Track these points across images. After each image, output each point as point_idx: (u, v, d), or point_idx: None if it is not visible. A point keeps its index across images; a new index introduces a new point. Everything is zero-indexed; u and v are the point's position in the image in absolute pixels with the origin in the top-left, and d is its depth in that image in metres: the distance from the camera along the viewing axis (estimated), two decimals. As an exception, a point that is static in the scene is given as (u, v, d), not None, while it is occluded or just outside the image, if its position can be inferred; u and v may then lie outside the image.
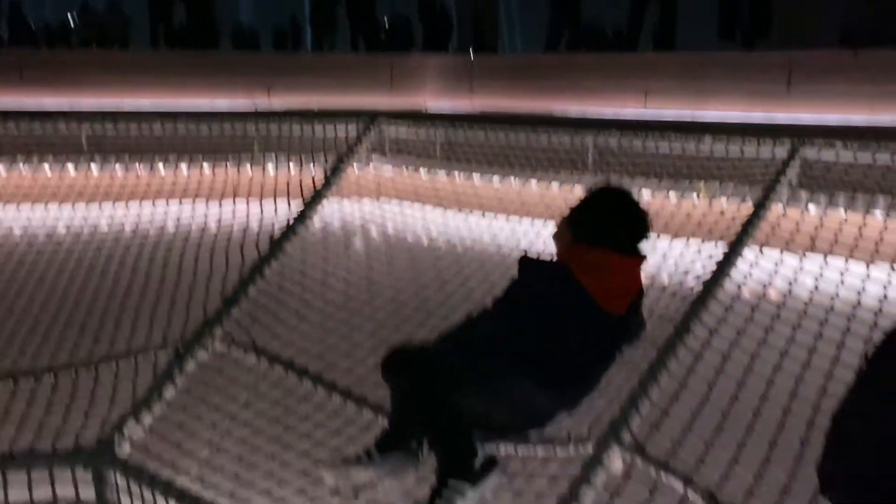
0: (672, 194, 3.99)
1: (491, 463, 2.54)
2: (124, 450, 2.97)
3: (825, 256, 3.25)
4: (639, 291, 3.00)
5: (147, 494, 2.75)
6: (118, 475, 2.84)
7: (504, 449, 2.69)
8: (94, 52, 7.33)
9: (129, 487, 2.81)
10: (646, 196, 3.97)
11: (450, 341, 2.80)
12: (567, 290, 2.78)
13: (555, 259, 3.16)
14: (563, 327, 2.72)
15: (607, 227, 2.86)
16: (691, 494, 2.37)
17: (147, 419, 3.12)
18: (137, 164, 5.17)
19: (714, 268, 3.25)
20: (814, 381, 2.73)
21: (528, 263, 3.03)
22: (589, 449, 2.52)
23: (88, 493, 2.87)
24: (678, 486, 2.40)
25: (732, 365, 2.82)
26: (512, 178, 4.68)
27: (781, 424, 2.60)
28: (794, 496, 2.38)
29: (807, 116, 4.81)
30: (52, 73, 6.13)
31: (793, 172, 3.85)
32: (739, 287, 3.16)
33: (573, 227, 2.94)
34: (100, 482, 2.85)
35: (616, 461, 2.48)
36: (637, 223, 2.94)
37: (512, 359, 2.67)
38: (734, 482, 2.42)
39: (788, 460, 2.49)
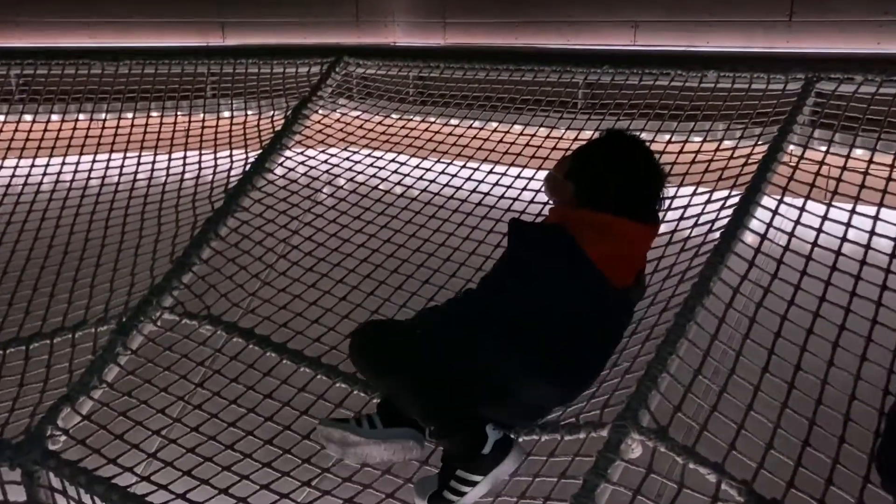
0: (675, 134, 3.58)
1: (505, 444, 2.17)
2: (59, 442, 2.56)
3: (853, 203, 2.89)
4: (645, 258, 2.62)
5: (85, 497, 2.35)
6: (51, 474, 2.43)
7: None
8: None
9: (64, 488, 2.41)
10: (646, 137, 3.55)
11: (433, 323, 2.39)
12: (569, 260, 2.37)
13: (547, 217, 2.75)
14: (565, 303, 2.32)
15: (618, 188, 2.45)
16: (725, 485, 2.03)
17: (85, 406, 2.70)
18: (76, 111, 4.62)
19: (730, 218, 2.88)
20: (853, 344, 2.39)
21: (520, 229, 2.60)
22: (603, 434, 2.16)
23: (18, 495, 2.47)
24: (709, 475, 2.06)
25: (759, 330, 2.46)
26: (494, 122, 4.22)
27: (820, 398, 2.26)
28: (841, 482, 2.05)
29: (812, 48, 4.40)
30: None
31: (809, 108, 3.46)
32: (760, 239, 2.79)
33: (577, 183, 2.52)
34: (30, 483, 2.44)
35: (635, 448, 2.13)
36: (653, 183, 2.54)
37: (507, 342, 2.26)
38: (773, 468, 2.08)
39: (832, 440, 2.16)
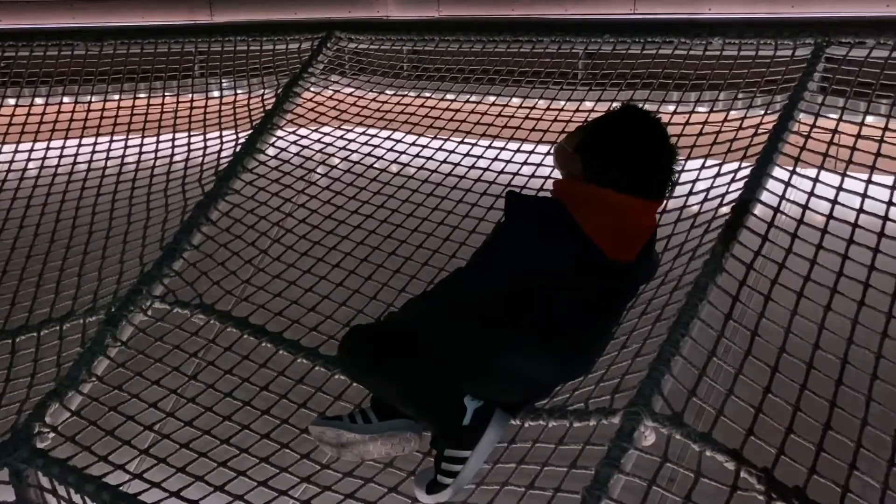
0: (679, 105, 3.46)
1: (486, 412, 2.09)
2: (47, 440, 2.46)
3: (870, 172, 2.77)
4: (653, 233, 2.51)
5: (76, 497, 2.25)
6: (40, 473, 2.33)
7: (512, 421, 2.23)
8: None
9: (53, 487, 2.31)
10: (650, 108, 3.42)
11: (424, 308, 2.30)
12: (562, 233, 2.28)
13: (551, 189, 2.65)
14: (558, 280, 2.22)
15: (631, 168, 2.35)
16: (744, 473, 1.93)
17: (74, 401, 2.60)
18: (60, 93, 4.48)
19: (742, 191, 2.76)
20: (874, 322, 2.29)
21: (515, 202, 2.50)
22: (615, 422, 2.06)
23: (7, 494, 2.37)
24: (727, 463, 1.96)
25: (776, 308, 2.35)
26: (491, 95, 4.09)
27: (840, 378, 2.16)
28: (865, 466, 1.96)
29: (818, 12, 4.25)
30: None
31: (819, 75, 3.33)
32: (774, 213, 2.67)
33: (584, 158, 2.41)
34: (19, 482, 2.35)
35: (649, 436, 2.03)
36: (667, 164, 2.43)
37: (501, 324, 2.17)
38: (793, 455, 1.98)
39: (853, 423, 2.06)
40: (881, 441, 2.02)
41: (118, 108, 4.28)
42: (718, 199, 2.82)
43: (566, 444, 2.11)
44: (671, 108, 3.46)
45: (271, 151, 3.82)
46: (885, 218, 2.61)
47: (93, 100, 4.41)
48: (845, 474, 1.94)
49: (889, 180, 2.73)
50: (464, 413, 2.08)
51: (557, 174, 2.81)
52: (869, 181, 2.75)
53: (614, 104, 3.58)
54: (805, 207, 2.69)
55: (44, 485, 2.36)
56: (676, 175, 2.55)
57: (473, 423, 2.07)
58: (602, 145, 2.44)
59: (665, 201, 2.61)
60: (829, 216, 2.65)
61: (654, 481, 1.92)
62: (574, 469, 2.01)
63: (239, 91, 4.32)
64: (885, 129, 2.95)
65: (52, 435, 2.48)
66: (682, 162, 2.96)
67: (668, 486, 1.97)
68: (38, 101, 4.39)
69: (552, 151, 2.70)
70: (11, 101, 4.40)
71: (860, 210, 2.65)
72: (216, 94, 4.41)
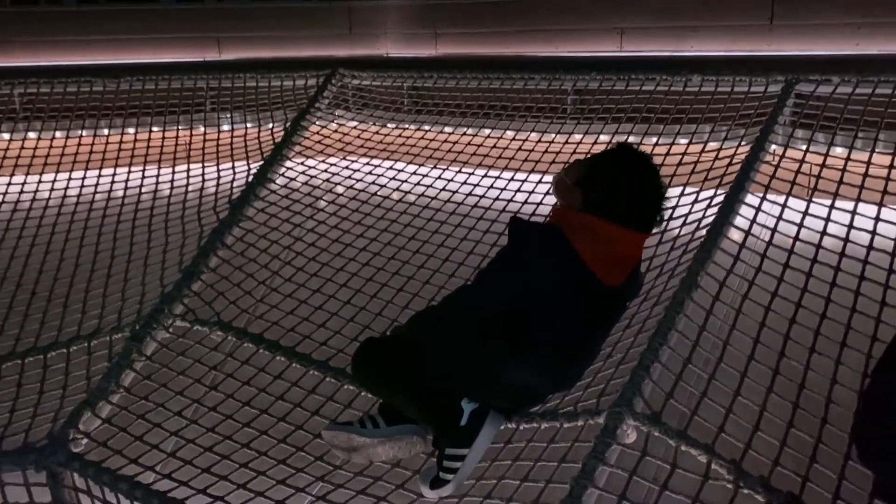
0: (662, 137, 3.73)
1: (481, 413, 2.33)
2: (81, 445, 2.67)
3: (832, 198, 3.03)
4: (639, 260, 2.77)
5: (110, 496, 2.46)
6: (75, 475, 2.55)
7: (505, 424, 2.46)
8: (25, 9, 6.76)
9: (88, 488, 2.53)
10: (633, 140, 3.70)
11: (429, 326, 2.54)
12: (561, 260, 2.52)
13: (548, 215, 2.90)
14: (557, 305, 2.46)
15: (626, 203, 2.61)
16: (714, 465, 2.17)
17: (104, 410, 2.82)
18: (80, 127, 4.74)
19: (716, 215, 3.02)
20: (833, 333, 2.53)
21: (518, 227, 2.75)
22: (600, 421, 2.29)
23: (43, 496, 2.58)
24: (700, 456, 2.19)
25: (746, 320, 2.60)
26: (486, 128, 4.37)
27: (803, 383, 2.40)
28: (823, 460, 2.19)
29: (793, 51, 4.56)
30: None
31: (789, 109, 3.62)
32: (745, 235, 2.93)
33: (585, 192, 2.66)
34: (55, 483, 2.56)
35: (630, 433, 2.26)
36: (657, 201, 2.70)
37: (498, 336, 2.41)
38: (759, 448, 2.22)
39: (814, 421, 2.30)
40: (839, 438, 2.25)
41: (135, 141, 4.54)
42: (695, 224, 3.07)
43: (557, 442, 2.33)
44: (653, 140, 3.73)
45: (281, 181, 4.08)
46: (846, 240, 2.86)
47: (110, 133, 4.66)
48: (806, 466, 2.17)
49: (850, 206, 2.99)
50: (461, 415, 2.31)
51: (550, 200, 3.07)
52: (832, 207, 3.01)
53: (600, 137, 3.87)
54: (773, 230, 2.95)
55: (79, 486, 2.56)
56: (665, 212, 2.81)
57: (470, 424, 2.29)
58: (600, 180, 2.69)
59: (653, 233, 2.87)
60: (796, 238, 2.91)
61: (635, 473, 2.14)
62: (564, 463, 2.24)
63: (249, 124, 4.59)
64: (848, 159, 3.22)
65: (85, 441, 2.69)
66: (671, 199, 3.23)
67: (652, 481, 2.19)
68: (59, 134, 4.63)
69: (552, 182, 2.93)
70: (34, 135, 4.65)
71: (823, 232, 2.91)
72: (227, 127, 4.68)
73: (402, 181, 4.04)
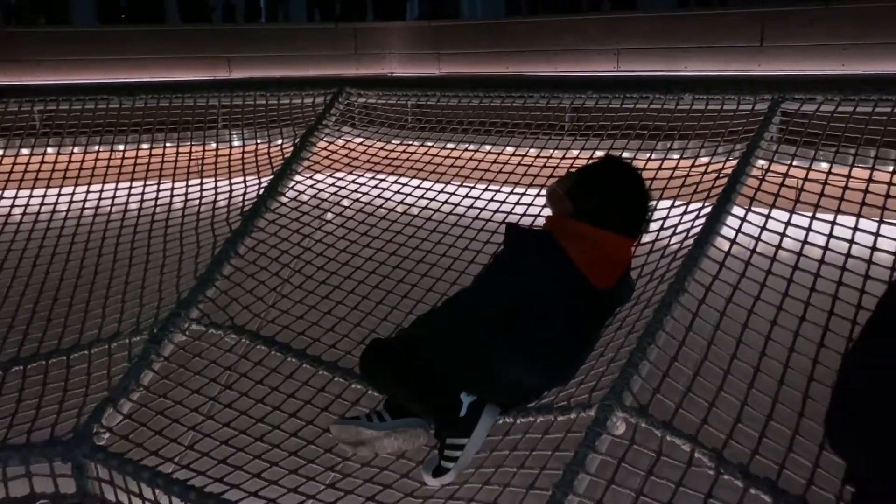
0: (654, 152, 3.91)
1: (479, 405, 2.50)
2: (104, 439, 2.84)
3: (813, 210, 3.21)
4: (628, 263, 2.95)
5: (132, 484, 2.63)
6: (99, 466, 2.71)
7: (503, 418, 2.62)
8: (44, 30, 7.00)
9: (111, 478, 2.69)
10: (627, 155, 3.89)
11: (431, 326, 2.72)
12: (554, 263, 2.72)
13: (543, 224, 3.09)
14: (550, 304, 2.65)
15: (613, 211, 2.80)
16: (698, 453, 2.33)
17: (125, 406, 2.99)
18: (96, 143, 4.93)
19: (703, 225, 3.20)
20: (811, 334, 2.70)
21: (513, 233, 2.95)
22: (591, 413, 2.45)
23: (68, 486, 2.74)
24: (684, 446, 2.35)
25: (729, 322, 2.77)
26: (488, 144, 4.56)
27: (782, 379, 2.57)
28: (798, 450, 2.34)
29: (782, 71, 4.77)
30: (1, 51, 5.83)
31: (775, 126, 3.80)
32: (730, 244, 3.11)
33: (575, 200, 2.85)
34: (80, 474, 2.72)
35: (619, 425, 2.42)
36: (642, 209, 2.89)
37: (497, 336, 2.59)
38: (739, 439, 2.38)
39: (792, 414, 2.46)
40: (815, 431, 2.41)
41: (150, 156, 4.73)
42: (684, 233, 3.25)
43: (551, 433, 2.49)
44: (646, 154, 3.91)
45: (291, 194, 4.26)
46: (825, 248, 3.03)
47: (126, 149, 4.86)
48: (783, 455, 2.33)
49: (830, 218, 3.17)
50: (460, 407, 2.48)
51: (548, 211, 3.25)
52: (813, 218, 3.18)
53: (597, 152, 4.06)
54: (757, 240, 3.13)
55: (102, 476, 2.72)
56: (650, 217, 3.00)
57: (468, 415, 2.47)
58: (589, 190, 2.89)
59: (639, 238, 3.05)
60: (778, 247, 3.08)
61: (623, 460, 2.30)
62: (557, 452, 2.40)
63: (260, 141, 4.79)
64: (829, 173, 3.40)
65: (107, 434, 2.85)
66: (656, 205, 3.42)
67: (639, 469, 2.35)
68: (77, 149, 4.83)
69: (545, 192, 3.13)
70: (53, 150, 4.85)
71: (804, 242, 3.08)
72: (238, 143, 4.88)
73: (406, 195, 4.22)
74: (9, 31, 7.14)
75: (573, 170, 3.18)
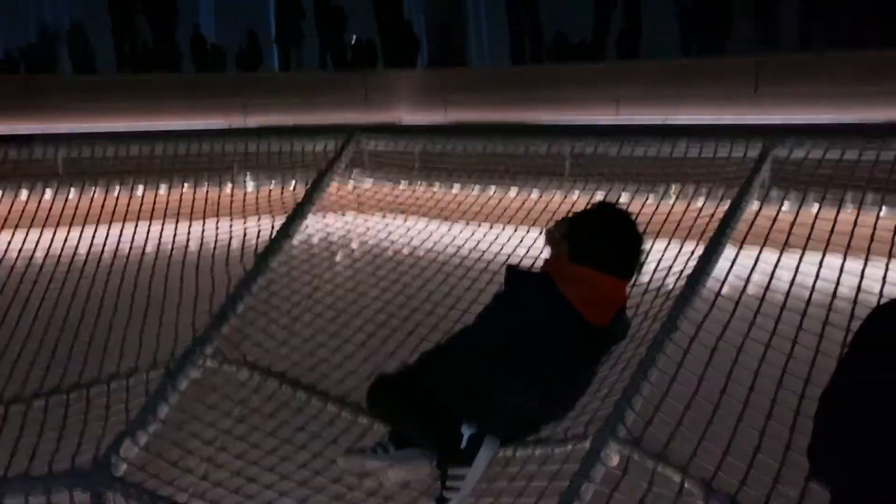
0: (651, 197, 4.08)
1: (479, 437, 2.62)
2: (122, 469, 2.97)
3: (802, 251, 3.35)
4: (623, 303, 3.09)
5: (148, 513, 2.75)
6: (117, 496, 2.84)
7: (502, 451, 2.74)
8: (68, 78, 7.30)
9: (128, 507, 2.81)
10: (624, 199, 4.06)
11: (434, 361, 2.87)
12: (552, 302, 2.87)
13: (541, 266, 3.25)
14: (548, 339, 2.80)
15: (606, 253, 2.96)
16: (688, 484, 2.44)
17: (143, 438, 3.12)
18: (116, 186, 5.13)
19: (696, 266, 3.34)
20: (798, 371, 2.82)
21: (514, 275, 3.12)
22: (586, 445, 2.57)
23: (87, 516, 2.86)
24: (675, 476, 2.47)
25: (720, 358, 2.89)
26: (491, 187, 4.75)
27: (770, 414, 2.68)
28: (785, 482, 2.45)
29: (775, 117, 4.95)
30: (26, 99, 6.09)
31: (766, 172, 3.96)
32: (721, 284, 3.25)
33: (571, 243, 3.02)
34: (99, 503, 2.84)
35: (613, 456, 2.54)
36: (634, 252, 3.06)
37: (497, 366, 2.74)
38: (728, 471, 2.49)
39: (779, 448, 2.56)
40: (801, 463, 2.52)
41: (168, 199, 4.93)
42: (677, 274, 3.39)
43: (548, 464, 2.62)
44: (643, 198, 4.08)
45: (302, 236, 4.44)
46: (812, 288, 3.17)
47: (145, 192, 5.06)
48: (769, 486, 2.44)
49: (817, 258, 3.31)
50: (461, 438, 2.61)
51: (547, 252, 3.41)
52: (801, 259, 3.33)
53: (596, 196, 4.23)
54: (746, 280, 3.27)
55: (120, 506, 2.85)
56: (644, 260, 3.15)
57: (469, 446, 2.60)
58: (585, 233, 3.06)
59: (634, 279, 3.20)
60: (766, 287, 3.22)
61: (616, 489, 2.42)
62: (554, 482, 2.52)
63: (273, 184, 4.99)
64: (816, 217, 3.56)
65: (125, 465, 2.98)
66: (650, 248, 3.57)
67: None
68: (99, 193, 5.03)
69: (544, 234, 3.29)
70: (74, 193, 5.05)
71: (792, 283, 3.22)
72: (252, 186, 5.08)
73: (413, 236, 4.40)
74: (32, 78, 7.45)
75: (571, 214, 3.35)
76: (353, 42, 12.23)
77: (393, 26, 8.65)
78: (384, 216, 4.66)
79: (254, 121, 6.18)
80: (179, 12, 10.18)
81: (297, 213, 4.57)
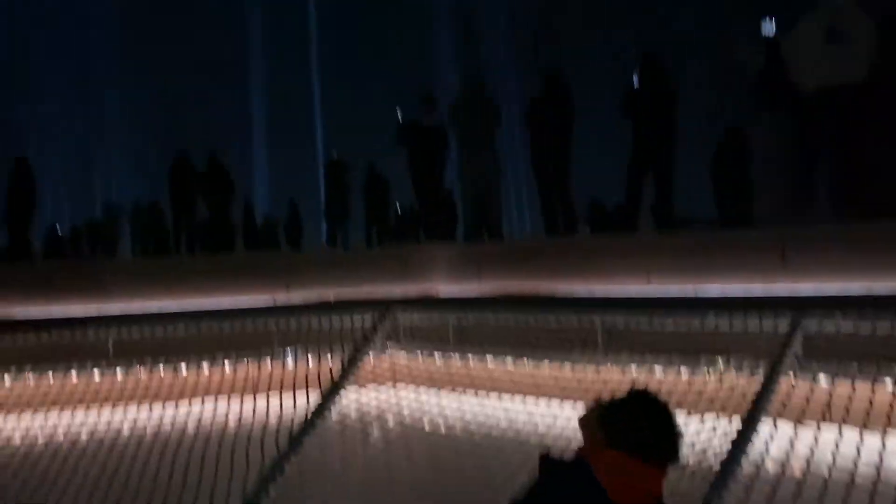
0: (683, 370, 4.07)
1: None
2: None
3: (839, 427, 3.28)
4: (659, 496, 3.05)
5: None
6: None
7: None
8: (120, 260, 7.77)
9: None
10: (656, 373, 4.06)
11: None
12: (588, 489, 2.84)
13: (575, 453, 3.24)
14: None
15: (642, 443, 2.96)
16: None
17: None
18: (160, 365, 5.31)
19: (730, 445, 3.29)
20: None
21: (548, 464, 3.11)
22: None
23: None
24: None
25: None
26: (525, 359, 4.80)
27: None
28: None
29: (805, 287, 4.97)
30: (80, 282, 6.44)
31: (797, 344, 3.95)
32: (758, 462, 3.18)
33: (606, 430, 3.03)
34: None
35: None
36: (672, 444, 3.06)
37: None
38: None
39: None
40: None
41: (209, 377, 5.08)
42: (711, 452, 3.33)
43: None
44: (674, 371, 4.07)
45: (337, 410, 4.49)
46: (855, 468, 3.08)
47: (188, 370, 5.22)
48: None
49: (856, 434, 3.23)
50: None
51: (580, 437, 3.40)
52: (839, 435, 3.25)
53: (628, 368, 4.24)
54: (784, 459, 3.19)
55: None
56: (680, 446, 3.12)
57: None
58: (620, 421, 3.07)
59: (670, 466, 3.15)
60: (805, 466, 3.14)
61: None
62: None
63: (311, 359, 5.12)
64: (853, 390, 3.50)
65: None
66: (684, 432, 3.53)
67: None
68: (144, 372, 5.20)
69: (578, 422, 3.30)
70: (121, 373, 5.24)
71: (833, 465, 3.14)
72: (291, 362, 5.22)
73: (446, 410, 4.42)
74: (88, 261, 7.86)
75: (604, 400, 3.37)
76: (397, 211, 12.81)
77: (432, 201, 9.05)
78: (419, 389, 4.70)
79: (298, 295, 6.40)
80: (234, 190, 10.79)
81: (333, 390, 4.66)
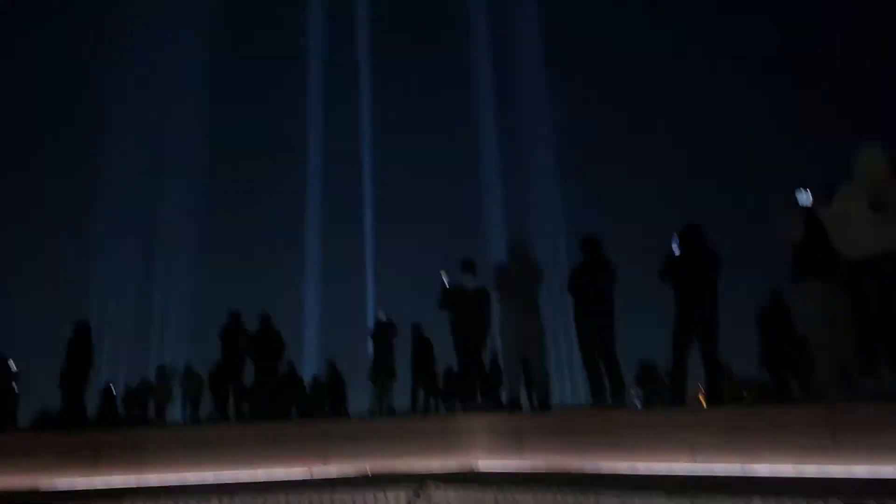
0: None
1: None
2: None
3: None
4: None
5: None
6: None
7: None
8: (164, 430, 7.85)
9: None
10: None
11: None
12: None
13: None
14: None
15: None
16: None
17: None
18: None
19: None
20: None
21: None
22: None
23: None
24: None
25: None
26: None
27: None
28: None
29: (857, 465, 4.74)
30: (123, 453, 6.49)
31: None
32: None
33: None
34: None
35: None
36: None
37: None
38: None
39: None
40: None
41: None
42: None
43: None
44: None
45: None
46: None
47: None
48: None
49: None
50: None
51: None
52: None
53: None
54: None
55: None
56: None
57: None
58: None
59: None
60: None
61: None
62: None
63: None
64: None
65: None
66: None
67: None
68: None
69: None
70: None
71: None
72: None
73: None
74: (129, 432, 7.92)
75: None
76: (444, 373, 12.76)
77: (472, 367, 9.00)
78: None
79: (334, 469, 6.33)
80: (283, 353, 10.96)
81: (362, 574, 4.49)
